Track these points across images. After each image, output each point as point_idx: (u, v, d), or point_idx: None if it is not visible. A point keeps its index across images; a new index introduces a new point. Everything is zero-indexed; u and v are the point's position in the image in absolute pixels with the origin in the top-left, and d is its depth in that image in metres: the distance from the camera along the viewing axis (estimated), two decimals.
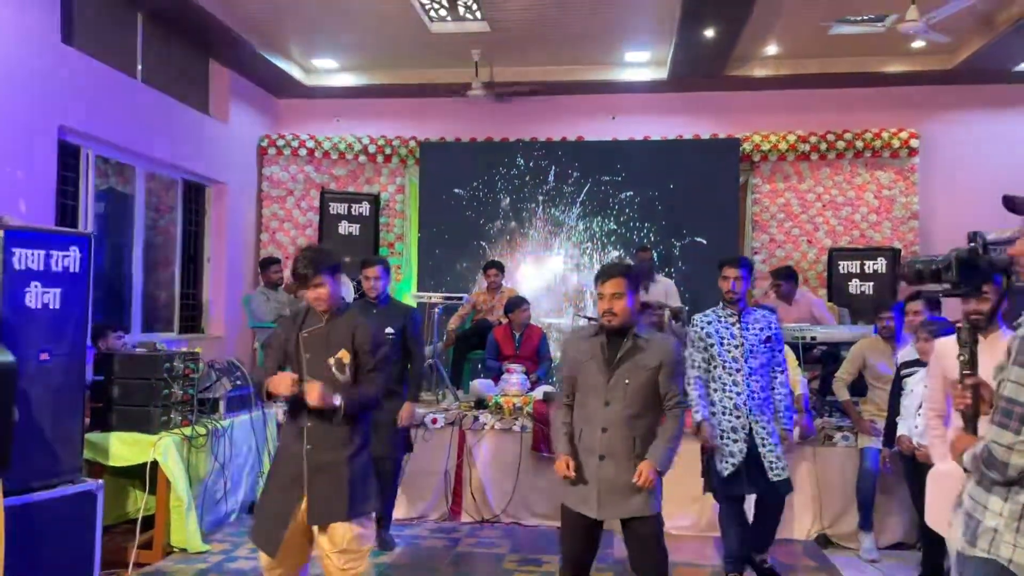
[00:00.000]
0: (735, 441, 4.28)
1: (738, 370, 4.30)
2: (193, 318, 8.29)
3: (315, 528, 3.36)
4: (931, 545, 4.11)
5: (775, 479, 4.24)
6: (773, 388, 4.39)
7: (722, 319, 4.40)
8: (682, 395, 3.37)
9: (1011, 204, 2.22)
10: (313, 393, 3.21)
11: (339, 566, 3.33)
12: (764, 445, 4.27)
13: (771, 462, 4.25)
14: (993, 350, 2.71)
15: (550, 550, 5.16)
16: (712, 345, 4.33)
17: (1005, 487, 2.08)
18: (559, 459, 3.33)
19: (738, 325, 4.36)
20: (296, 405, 3.38)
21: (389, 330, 4.84)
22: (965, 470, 2.21)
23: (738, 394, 4.27)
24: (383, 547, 4.92)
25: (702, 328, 4.39)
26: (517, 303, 6.91)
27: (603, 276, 3.35)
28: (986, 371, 2.38)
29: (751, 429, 4.27)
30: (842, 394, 5.40)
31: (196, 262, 8.35)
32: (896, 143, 8.37)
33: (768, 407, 4.34)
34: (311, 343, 3.39)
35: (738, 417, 4.29)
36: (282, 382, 3.28)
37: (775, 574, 4.54)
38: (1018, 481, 2.04)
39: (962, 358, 2.35)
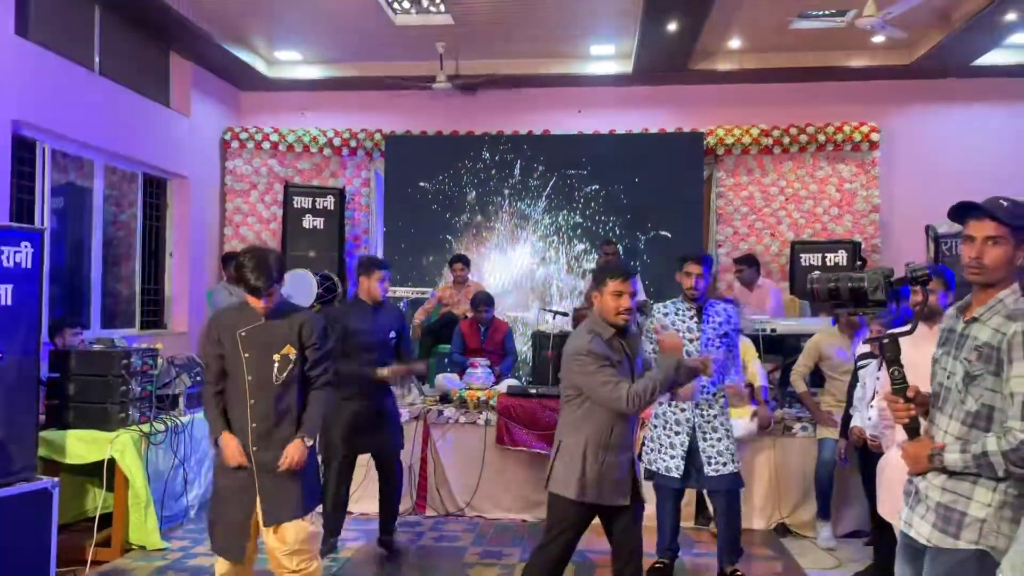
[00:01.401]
0: (677, 434, 4.33)
1: None
2: (155, 313, 8.20)
3: (265, 529, 3.35)
4: (883, 533, 4.18)
5: (712, 474, 4.28)
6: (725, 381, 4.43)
7: (680, 311, 4.44)
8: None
9: (995, 211, 2.23)
10: (293, 458, 3.28)
11: (291, 567, 3.33)
12: (705, 439, 4.31)
13: (710, 456, 4.29)
14: (921, 344, 2.74)
15: (512, 543, 5.18)
16: None
17: (995, 480, 2.13)
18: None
19: (696, 319, 4.40)
20: (237, 411, 3.37)
21: (392, 334, 4.86)
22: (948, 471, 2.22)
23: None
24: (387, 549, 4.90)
25: (657, 320, 4.42)
26: (481, 301, 6.88)
27: (626, 274, 3.35)
28: (927, 359, 2.44)
29: (695, 423, 4.32)
30: (799, 386, 5.47)
31: (158, 257, 8.25)
32: (857, 137, 8.48)
33: (716, 403, 4.36)
34: (250, 341, 3.35)
35: (683, 410, 4.34)
36: (233, 456, 3.31)
37: None
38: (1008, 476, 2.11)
39: (894, 373, 2.35)
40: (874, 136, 8.51)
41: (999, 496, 2.13)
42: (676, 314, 4.44)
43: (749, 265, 7.31)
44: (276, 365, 3.33)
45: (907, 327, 2.51)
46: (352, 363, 4.60)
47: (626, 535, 3.40)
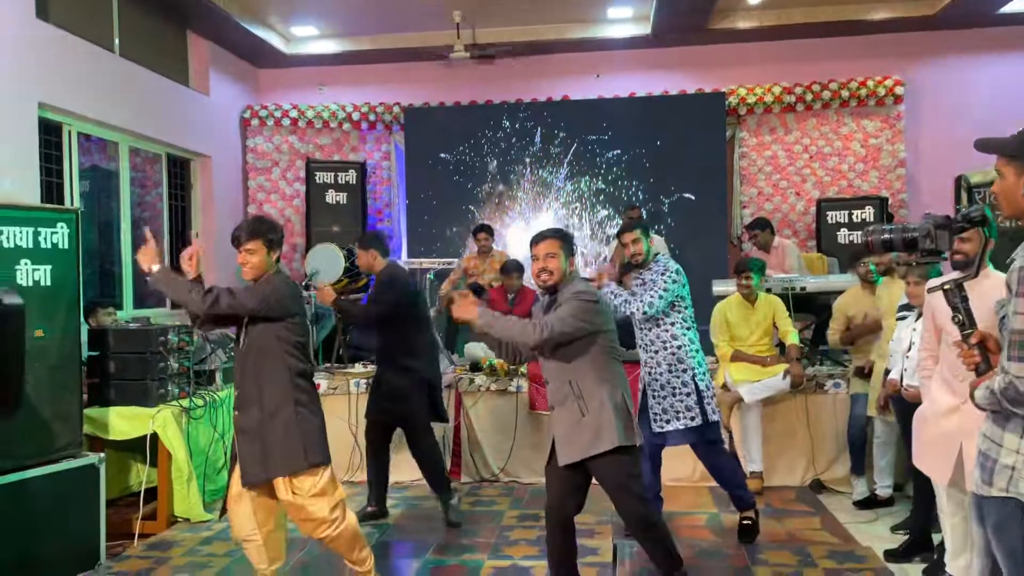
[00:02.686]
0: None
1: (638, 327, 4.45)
2: None
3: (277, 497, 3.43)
4: (921, 483, 4.18)
5: (657, 430, 4.35)
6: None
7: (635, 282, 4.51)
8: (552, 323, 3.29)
9: (983, 146, 2.23)
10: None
11: (313, 533, 3.43)
12: (654, 396, 4.38)
13: (656, 413, 4.36)
14: (983, 291, 2.75)
15: None
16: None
17: (1022, 424, 2.08)
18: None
19: (641, 284, 4.46)
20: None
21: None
22: (980, 408, 2.19)
23: (645, 351, 4.42)
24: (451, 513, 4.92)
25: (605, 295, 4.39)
26: (513, 268, 6.92)
27: (537, 239, 3.48)
28: (981, 314, 2.39)
29: (646, 382, 4.41)
30: (835, 345, 5.48)
31: (185, 237, 8.31)
32: (881, 91, 8.35)
33: (664, 359, 4.36)
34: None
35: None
36: (145, 255, 3.51)
37: (747, 530, 4.56)
38: None
39: (957, 318, 2.33)
40: (898, 90, 8.38)
41: None
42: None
43: (762, 228, 7.27)
44: (242, 333, 3.48)
45: (965, 273, 2.48)
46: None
47: (617, 509, 3.47)
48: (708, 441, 4.42)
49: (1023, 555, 2.07)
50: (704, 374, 4.42)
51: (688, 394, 4.33)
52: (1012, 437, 2.10)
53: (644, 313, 4.29)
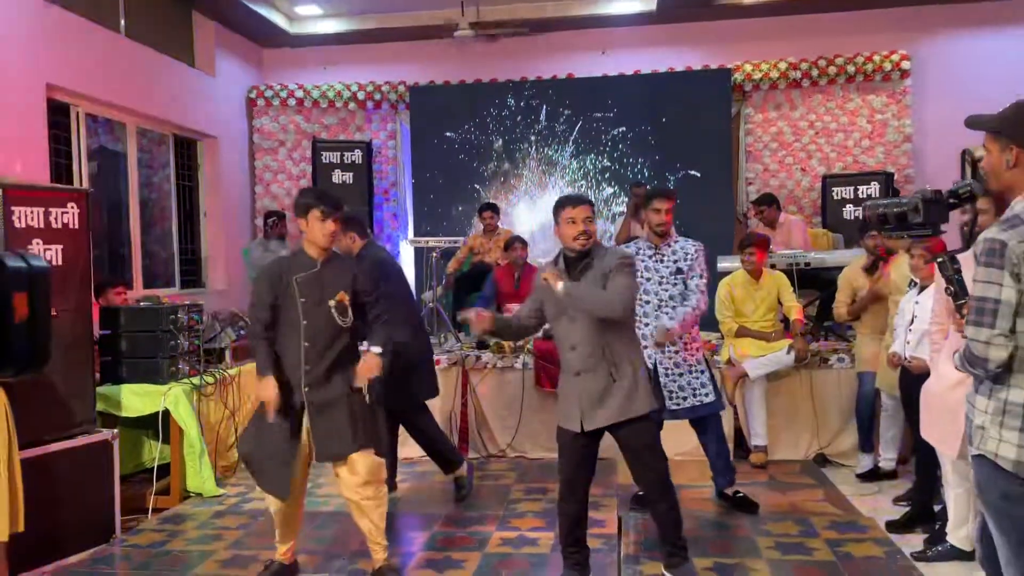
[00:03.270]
0: None
1: (648, 302, 4.38)
2: (193, 273, 8.35)
3: (333, 466, 3.52)
4: (925, 455, 4.23)
5: (674, 407, 4.39)
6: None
7: (641, 250, 4.46)
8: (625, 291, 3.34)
9: (972, 123, 2.34)
10: (370, 368, 3.46)
11: (364, 496, 3.50)
12: (667, 375, 4.39)
13: (672, 391, 4.39)
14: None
15: (555, 480, 5.28)
16: None
17: (988, 386, 2.23)
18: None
19: (656, 257, 4.43)
20: (291, 354, 3.48)
21: None
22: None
23: (646, 324, 4.35)
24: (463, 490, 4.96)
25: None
26: (516, 239, 7.00)
27: (576, 202, 3.42)
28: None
29: (656, 360, 4.39)
30: (841, 318, 5.49)
31: (193, 217, 8.37)
32: (888, 66, 8.31)
33: (678, 340, 4.39)
34: (306, 287, 3.47)
35: (644, 347, 4.37)
36: (268, 398, 3.43)
37: (748, 502, 4.65)
38: (998, 379, 2.20)
39: (950, 289, 2.44)
40: (905, 64, 8.33)
41: (993, 403, 2.22)
42: (637, 253, 4.44)
43: (768, 204, 7.28)
44: (333, 310, 3.46)
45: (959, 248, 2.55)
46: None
47: (637, 468, 3.51)
48: (717, 415, 4.56)
49: (1003, 510, 2.21)
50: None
51: (703, 371, 4.44)
52: (981, 399, 2.26)
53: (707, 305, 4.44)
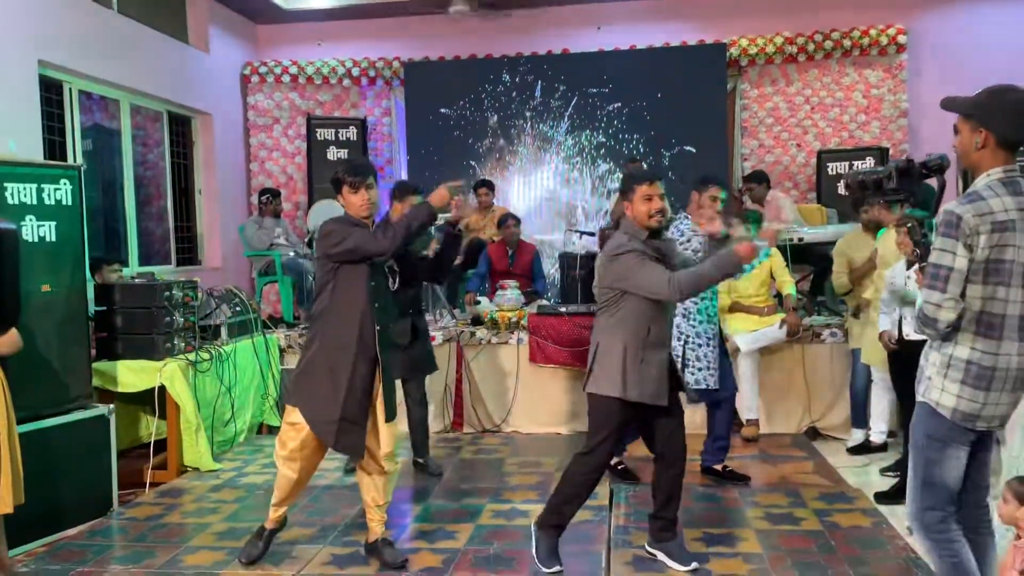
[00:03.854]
0: (700, 346, 4.53)
1: None
2: (189, 251, 8.36)
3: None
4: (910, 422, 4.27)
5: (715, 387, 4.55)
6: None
7: (698, 233, 4.47)
8: None
9: (947, 105, 2.56)
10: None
11: (387, 466, 3.58)
12: (698, 359, 4.53)
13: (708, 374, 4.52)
14: None
15: (549, 454, 5.36)
16: None
17: (939, 343, 2.51)
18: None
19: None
20: (360, 316, 3.46)
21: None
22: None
23: (702, 298, 4.51)
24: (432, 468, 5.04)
25: (688, 239, 4.44)
26: (508, 216, 7.03)
27: (653, 177, 3.42)
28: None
29: (721, 336, 4.63)
30: (843, 287, 5.46)
31: (188, 195, 8.37)
32: (884, 40, 8.27)
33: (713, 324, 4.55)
34: None
35: (712, 323, 4.58)
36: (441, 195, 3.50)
37: (738, 475, 4.73)
38: (947, 336, 2.47)
39: (916, 252, 2.71)
40: (901, 39, 8.29)
41: (941, 357, 2.49)
42: (691, 236, 4.46)
43: (759, 182, 7.29)
44: (387, 272, 3.56)
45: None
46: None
47: (666, 440, 3.51)
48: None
49: (921, 445, 2.56)
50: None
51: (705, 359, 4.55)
52: (933, 354, 2.54)
53: None
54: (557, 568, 3.45)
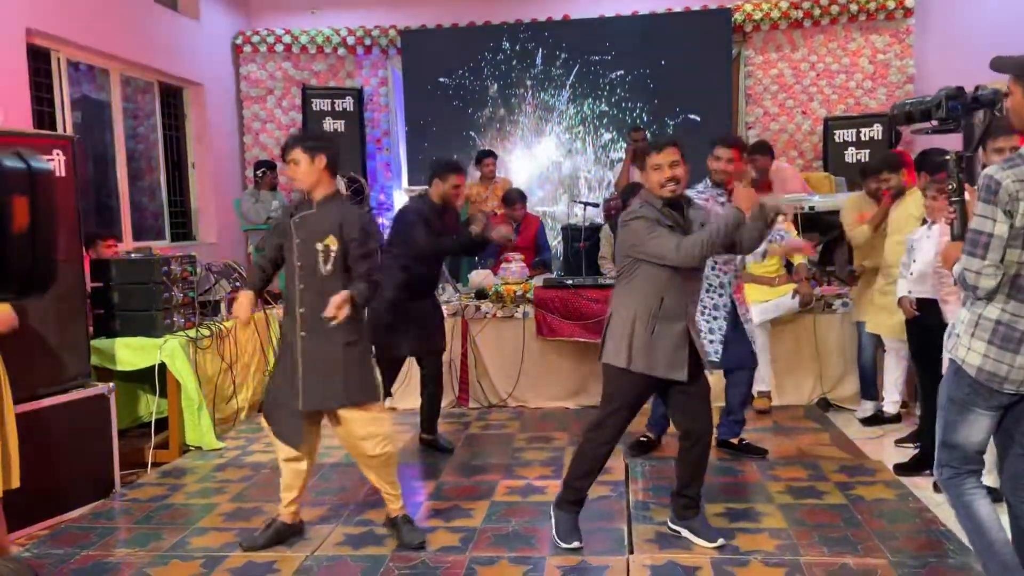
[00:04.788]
0: (715, 319, 4.41)
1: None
2: (183, 225, 8.19)
3: (329, 417, 3.43)
4: (929, 398, 4.18)
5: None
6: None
7: (718, 195, 4.35)
8: None
9: (998, 66, 2.49)
10: (336, 304, 3.20)
11: (368, 452, 3.41)
12: (721, 330, 4.43)
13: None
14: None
15: (558, 428, 5.26)
16: None
17: (972, 301, 2.51)
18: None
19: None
20: (289, 295, 3.43)
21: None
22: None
23: (725, 272, 4.41)
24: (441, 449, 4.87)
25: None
26: (515, 199, 6.86)
27: (659, 146, 3.29)
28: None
29: (732, 308, 4.46)
30: (859, 238, 5.27)
31: (181, 168, 8.17)
32: (891, 4, 8.10)
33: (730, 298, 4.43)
34: (301, 227, 3.38)
35: (720, 295, 4.44)
36: (241, 308, 3.48)
37: (755, 448, 4.63)
38: (984, 298, 2.46)
39: (951, 185, 2.71)
40: (908, 2, 8.12)
41: (970, 315, 2.51)
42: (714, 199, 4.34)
43: (763, 153, 7.13)
44: (320, 255, 3.33)
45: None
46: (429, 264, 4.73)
47: (690, 416, 3.39)
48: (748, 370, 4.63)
49: (944, 405, 2.60)
50: None
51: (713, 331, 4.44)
52: (963, 312, 2.56)
53: None
54: (576, 543, 3.36)
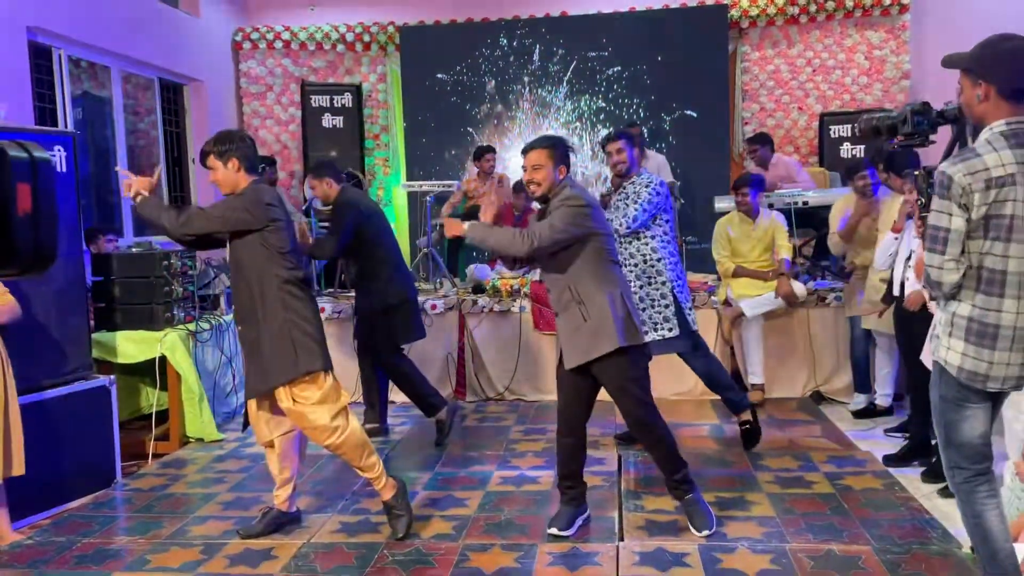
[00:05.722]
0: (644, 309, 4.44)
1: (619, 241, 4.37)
2: None
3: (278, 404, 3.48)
4: (921, 389, 4.24)
5: (658, 339, 4.37)
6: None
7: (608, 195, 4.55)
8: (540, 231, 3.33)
9: (947, 63, 2.54)
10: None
11: (321, 440, 3.43)
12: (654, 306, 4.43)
13: (656, 323, 4.38)
14: None
15: (554, 421, 5.30)
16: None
17: (945, 302, 2.51)
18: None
19: (618, 195, 4.46)
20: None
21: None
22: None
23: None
24: (443, 433, 4.91)
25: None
26: (522, 188, 6.90)
27: (525, 149, 3.46)
28: None
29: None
30: (837, 249, 5.43)
31: (181, 164, 8.23)
32: (887, 0, 8.15)
33: (645, 271, 4.40)
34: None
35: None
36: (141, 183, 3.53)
37: (749, 438, 4.64)
38: (953, 296, 2.47)
39: (920, 201, 2.67)
40: None
41: (945, 316, 2.50)
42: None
43: (763, 144, 7.21)
44: (228, 249, 3.48)
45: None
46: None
47: (617, 404, 3.52)
48: (693, 348, 4.50)
49: (938, 406, 2.54)
50: (683, 286, 4.46)
51: (667, 305, 4.37)
52: (939, 313, 2.56)
53: (627, 228, 4.30)
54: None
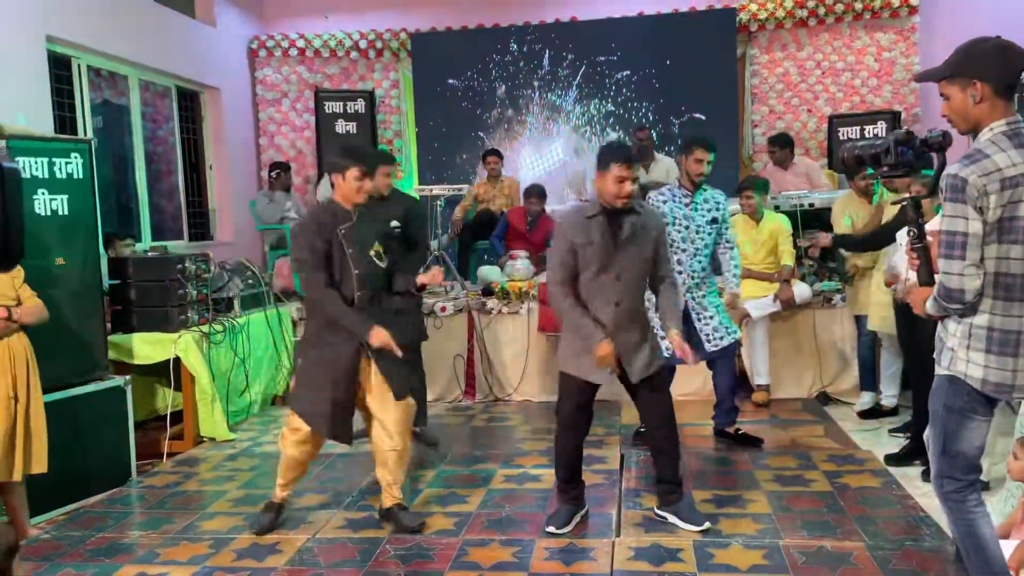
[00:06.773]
0: None
1: (684, 250, 4.47)
2: (201, 226, 8.40)
3: (373, 414, 3.63)
4: (920, 390, 4.27)
5: (713, 348, 4.49)
6: (724, 262, 4.72)
7: (676, 198, 4.52)
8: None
9: (922, 78, 2.53)
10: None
11: (397, 445, 3.63)
12: (700, 319, 4.50)
13: (707, 334, 4.48)
14: None
15: None
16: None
17: (960, 314, 2.38)
18: (601, 347, 3.34)
19: (691, 206, 4.50)
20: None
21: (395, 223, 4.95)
22: (931, 316, 2.47)
23: (679, 272, 4.43)
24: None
25: (656, 206, 4.47)
26: (534, 193, 6.96)
27: (629, 160, 3.37)
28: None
29: (687, 306, 4.45)
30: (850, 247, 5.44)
31: (199, 170, 8.39)
32: (896, 2, 8.15)
33: (705, 284, 4.53)
34: (350, 238, 3.53)
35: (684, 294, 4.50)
36: (382, 337, 3.45)
37: (750, 438, 4.75)
38: (974, 307, 2.35)
39: (911, 232, 2.54)
40: (913, 0, 8.17)
41: (962, 327, 2.38)
42: (673, 200, 4.53)
43: (782, 146, 7.24)
44: (374, 257, 3.58)
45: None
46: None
47: (647, 403, 3.58)
48: (732, 352, 4.70)
49: (940, 416, 2.46)
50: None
51: (719, 311, 4.56)
52: (952, 324, 2.43)
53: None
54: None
